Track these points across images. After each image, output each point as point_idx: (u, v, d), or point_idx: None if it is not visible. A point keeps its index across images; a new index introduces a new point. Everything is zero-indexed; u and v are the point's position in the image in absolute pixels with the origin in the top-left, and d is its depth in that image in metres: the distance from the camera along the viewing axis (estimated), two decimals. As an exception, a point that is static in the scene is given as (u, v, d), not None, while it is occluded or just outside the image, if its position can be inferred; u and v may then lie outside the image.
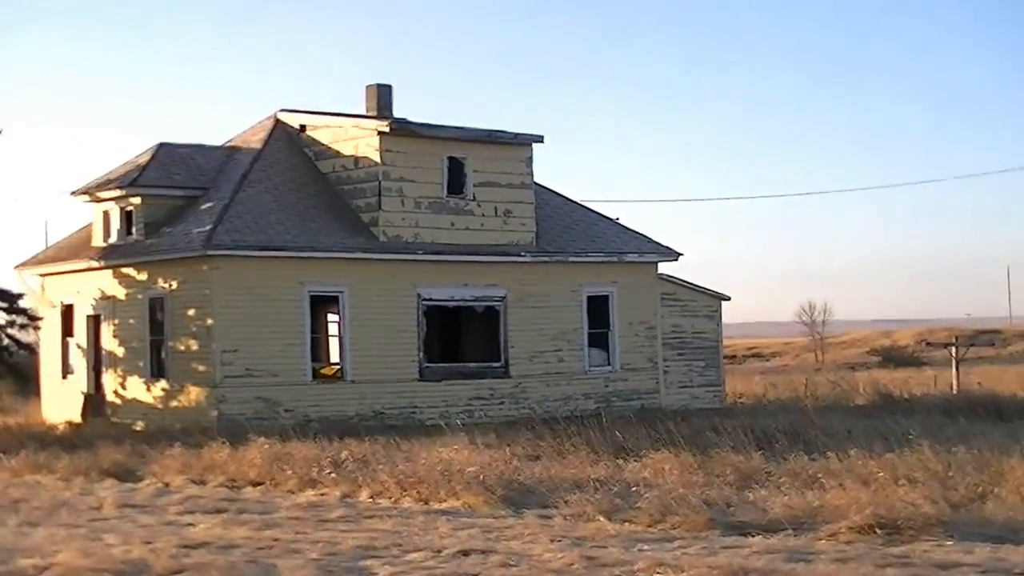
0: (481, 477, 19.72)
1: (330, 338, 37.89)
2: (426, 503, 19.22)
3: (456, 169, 35.13)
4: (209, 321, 32.10)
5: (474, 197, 35.33)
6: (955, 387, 40.94)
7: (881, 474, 18.95)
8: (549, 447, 24.26)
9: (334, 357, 36.61)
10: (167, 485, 21.79)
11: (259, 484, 21.36)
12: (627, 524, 16.68)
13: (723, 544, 15.11)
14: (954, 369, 41.84)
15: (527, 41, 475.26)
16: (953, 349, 43.59)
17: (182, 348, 32.95)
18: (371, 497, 19.81)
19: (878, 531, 15.43)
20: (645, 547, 14.87)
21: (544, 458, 23.22)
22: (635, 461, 22.08)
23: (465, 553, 14.46)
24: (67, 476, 23.07)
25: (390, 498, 19.66)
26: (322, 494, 20.20)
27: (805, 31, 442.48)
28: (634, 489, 18.95)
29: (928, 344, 64.33)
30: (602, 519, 16.96)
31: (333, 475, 20.87)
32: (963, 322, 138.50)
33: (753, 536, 15.56)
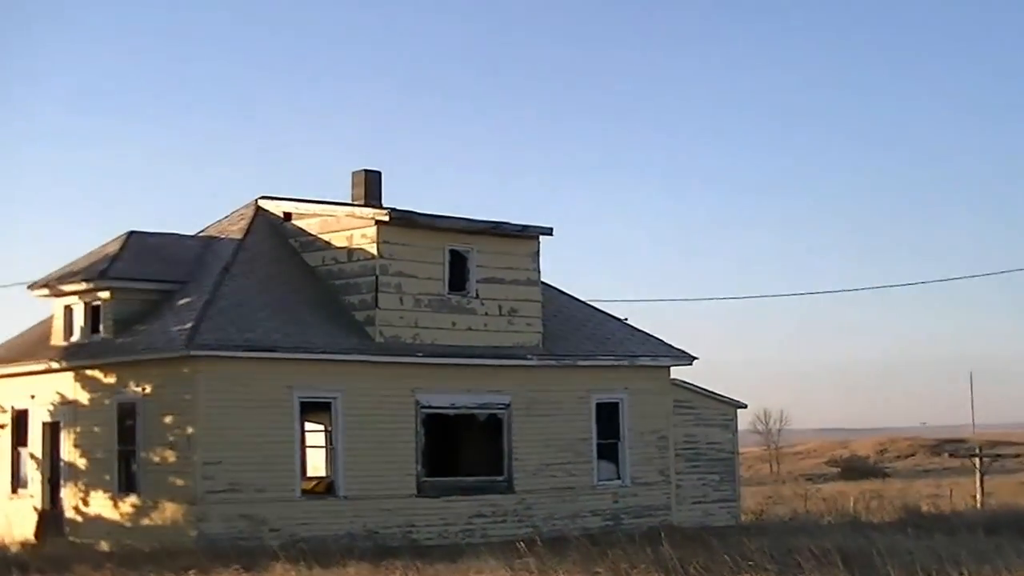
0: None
1: (307, 449, 34.59)
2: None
3: (458, 263, 32.23)
4: (190, 429, 28.74)
5: (477, 294, 32.39)
6: (980, 501, 38.32)
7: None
8: (607, 572, 21.35)
9: (311, 470, 33.43)
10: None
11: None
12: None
13: None
14: (978, 482, 39.22)
15: (522, 133, 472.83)
16: (977, 460, 40.80)
17: (157, 460, 29.53)
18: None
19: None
20: None
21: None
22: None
23: None
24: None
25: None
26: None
27: (787, 137, 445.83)
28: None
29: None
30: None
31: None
32: (923, 431, 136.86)
33: None
